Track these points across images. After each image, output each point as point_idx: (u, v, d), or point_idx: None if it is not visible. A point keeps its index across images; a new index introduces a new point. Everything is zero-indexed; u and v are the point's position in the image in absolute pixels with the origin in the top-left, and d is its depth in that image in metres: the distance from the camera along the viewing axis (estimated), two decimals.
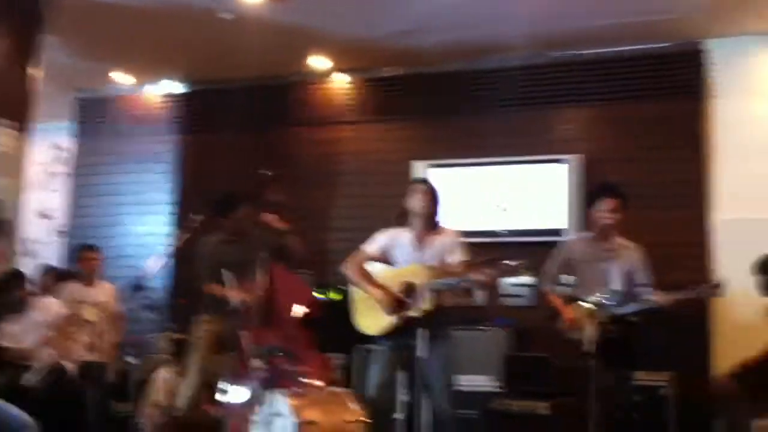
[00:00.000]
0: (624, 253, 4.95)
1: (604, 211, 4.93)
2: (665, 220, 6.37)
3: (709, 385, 5.38)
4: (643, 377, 5.69)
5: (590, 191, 5.21)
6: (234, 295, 4.88)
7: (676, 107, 6.62)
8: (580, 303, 4.82)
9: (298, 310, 5.08)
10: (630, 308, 4.76)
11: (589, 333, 4.33)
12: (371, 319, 4.69)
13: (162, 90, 8.07)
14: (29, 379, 5.12)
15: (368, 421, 4.24)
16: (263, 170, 5.37)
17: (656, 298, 4.69)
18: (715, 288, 4.54)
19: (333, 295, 6.61)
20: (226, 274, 4.42)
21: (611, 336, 4.65)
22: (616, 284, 4.84)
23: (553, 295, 5.10)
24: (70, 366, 5.50)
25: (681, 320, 5.85)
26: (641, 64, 6.75)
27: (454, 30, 6.57)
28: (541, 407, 5.72)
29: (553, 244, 5.52)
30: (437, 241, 4.66)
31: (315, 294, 5.59)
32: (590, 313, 4.43)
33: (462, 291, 4.68)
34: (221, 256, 5.31)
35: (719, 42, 6.58)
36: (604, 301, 4.62)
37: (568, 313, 4.90)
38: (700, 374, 5.88)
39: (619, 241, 5.01)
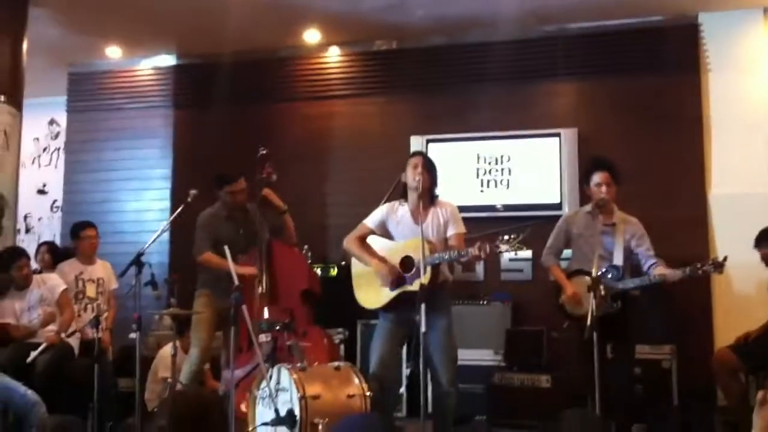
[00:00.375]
0: (624, 226, 4.95)
1: (597, 184, 4.96)
2: (661, 194, 6.39)
3: (710, 358, 5.41)
4: (645, 351, 5.76)
5: (584, 168, 5.22)
6: (237, 268, 4.88)
7: (671, 81, 6.62)
8: (582, 277, 4.84)
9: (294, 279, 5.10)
10: (632, 283, 4.78)
11: (591, 307, 4.34)
12: (371, 293, 4.70)
13: (154, 64, 7.99)
14: (34, 356, 5.12)
15: (371, 394, 4.25)
16: (259, 148, 5.36)
17: (659, 272, 4.70)
18: (719, 266, 4.54)
19: (332, 272, 6.64)
20: (226, 250, 4.41)
21: (612, 310, 4.69)
22: (618, 258, 4.85)
23: (556, 268, 5.12)
24: (73, 343, 5.51)
25: (682, 294, 5.91)
26: (635, 38, 6.73)
27: (442, 3, 6.53)
28: (543, 380, 5.77)
29: (548, 218, 5.53)
30: (435, 215, 4.65)
31: (315, 269, 5.58)
32: (592, 288, 4.43)
33: (460, 264, 4.70)
34: (218, 231, 5.30)
35: (713, 16, 6.56)
36: (606, 275, 4.63)
37: (570, 287, 4.92)
38: (701, 347, 5.92)
39: (619, 214, 5.01)
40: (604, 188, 4.93)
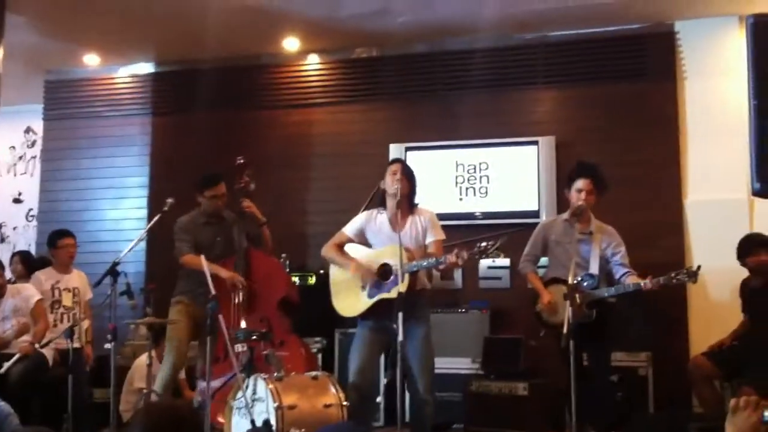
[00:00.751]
0: (601, 235, 4.97)
1: (578, 190, 4.95)
2: (637, 201, 6.43)
3: (686, 365, 5.44)
4: (623, 358, 5.79)
5: (568, 172, 5.22)
6: (220, 269, 4.87)
7: (647, 88, 6.67)
8: (559, 285, 4.86)
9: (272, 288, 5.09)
10: (607, 291, 4.80)
11: (567, 315, 4.35)
12: (349, 301, 4.70)
13: (132, 71, 7.94)
14: (7, 366, 5.06)
15: (348, 404, 4.23)
16: (238, 158, 5.35)
17: (633, 280, 4.73)
18: (692, 275, 4.56)
19: (311, 280, 6.62)
20: (201, 258, 4.39)
21: (588, 319, 4.71)
22: (594, 267, 4.87)
23: (533, 276, 5.13)
24: (48, 353, 5.45)
25: (658, 302, 5.93)
26: (613, 46, 6.77)
27: (423, 10, 6.55)
28: (520, 388, 5.77)
29: (526, 226, 5.55)
30: (414, 222, 4.66)
31: (293, 278, 5.56)
32: (568, 296, 4.45)
33: (438, 271, 4.71)
34: (196, 235, 5.27)
35: (690, 24, 6.61)
36: (582, 283, 4.64)
37: (547, 295, 4.94)
38: (677, 354, 5.96)
39: (596, 223, 5.03)
40: (584, 195, 4.94)
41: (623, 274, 4.85)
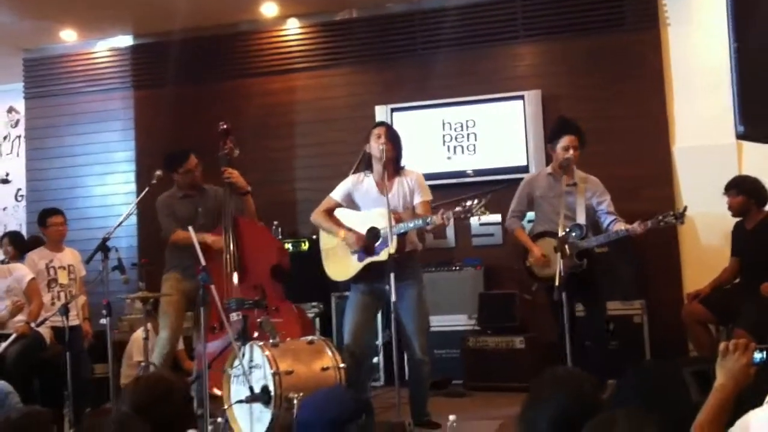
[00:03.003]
0: (584, 185, 4.99)
1: (564, 147, 4.97)
2: (626, 152, 6.42)
3: (681, 310, 5.48)
4: (617, 307, 5.83)
5: (551, 128, 5.23)
6: (208, 237, 4.85)
7: (631, 38, 6.62)
8: (546, 239, 4.87)
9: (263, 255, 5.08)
10: (595, 240, 4.82)
11: (559, 268, 4.38)
12: (340, 265, 4.71)
13: (111, 45, 7.84)
14: (4, 347, 5.07)
15: (345, 367, 4.26)
16: (220, 123, 5.29)
17: (621, 227, 4.75)
18: (678, 217, 4.60)
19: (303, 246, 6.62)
20: (190, 229, 4.38)
21: (579, 269, 4.73)
22: (580, 217, 4.89)
23: (521, 232, 5.15)
24: (45, 331, 5.46)
25: (650, 249, 5.98)
26: None
27: None
28: (517, 342, 5.82)
29: (516, 181, 5.56)
30: (401, 184, 4.64)
31: (285, 245, 5.55)
32: (558, 248, 4.47)
33: (427, 232, 4.71)
34: (176, 210, 5.24)
35: None
36: (570, 234, 4.66)
37: (537, 249, 4.96)
38: (671, 301, 5.99)
39: (579, 174, 5.05)
40: (570, 152, 4.96)
41: (611, 222, 4.89)
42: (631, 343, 5.84)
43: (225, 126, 5.28)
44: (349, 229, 4.63)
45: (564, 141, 4.99)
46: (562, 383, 2.10)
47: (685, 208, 4.68)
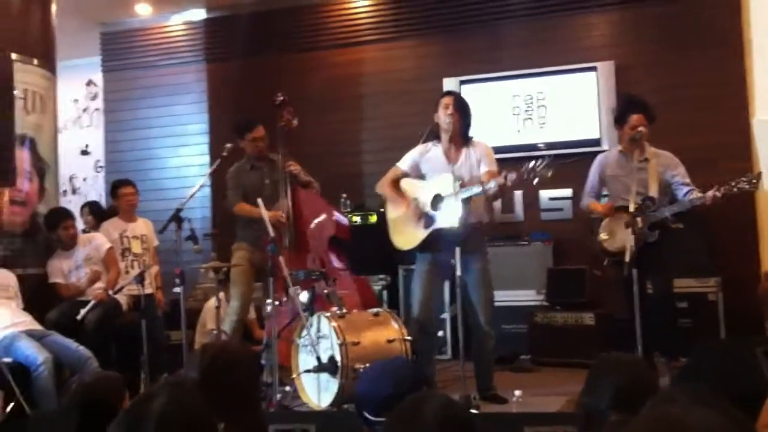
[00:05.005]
0: (656, 160, 4.89)
1: (631, 127, 4.88)
2: (702, 122, 6.22)
3: (757, 287, 5.31)
4: (691, 284, 5.68)
5: (618, 106, 5.11)
6: (266, 214, 4.92)
7: (708, 4, 6.38)
8: (619, 213, 4.80)
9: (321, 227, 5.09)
10: (668, 210, 4.72)
11: (630, 244, 4.30)
12: (405, 235, 4.72)
13: (185, 18, 7.97)
14: (83, 313, 5.25)
15: (410, 338, 4.28)
16: (276, 95, 5.33)
17: (693, 197, 4.64)
18: (753, 181, 4.47)
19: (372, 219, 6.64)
20: (259, 202, 4.45)
21: (652, 238, 4.65)
22: (653, 191, 4.79)
23: (594, 203, 5.08)
24: (121, 299, 5.63)
25: (725, 223, 5.79)
26: None
27: None
28: (586, 318, 5.75)
29: (588, 154, 5.46)
30: (468, 155, 4.61)
31: (342, 216, 5.57)
32: (629, 223, 4.39)
33: (491, 199, 4.66)
34: (244, 181, 5.32)
35: None
36: (642, 207, 4.58)
37: (600, 207, 4.94)
38: (749, 277, 5.80)
39: (651, 150, 4.94)
40: (641, 128, 4.85)
41: (686, 192, 4.76)
42: (706, 322, 5.70)
43: (282, 98, 5.31)
44: (415, 198, 4.63)
45: (632, 121, 4.89)
46: (621, 365, 2.11)
47: (760, 174, 4.54)
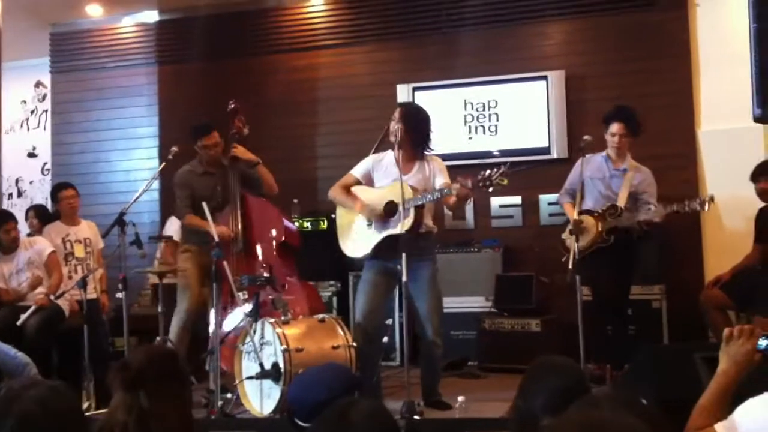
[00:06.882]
0: (634, 173, 5.13)
1: (612, 134, 5.17)
2: (650, 133, 6.26)
3: (700, 296, 5.40)
4: (636, 291, 5.76)
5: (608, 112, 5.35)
6: (214, 228, 4.84)
7: (658, 18, 6.48)
8: (584, 216, 5.00)
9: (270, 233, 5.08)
10: (627, 221, 4.92)
11: (573, 250, 4.39)
12: (356, 242, 4.70)
13: (136, 20, 7.87)
14: (24, 319, 5.14)
15: (355, 345, 4.26)
16: (229, 102, 5.28)
17: (645, 215, 4.83)
18: (704, 203, 4.71)
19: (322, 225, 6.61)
20: (204, 207, 4.39)
21: (606, 243, 4.89)
22: (622, 201, 5.02)
23: (568, 206, 5.25)
24: (63, 304, 5.53)
25: (672, 233, 5.89)
26: None
27: None
28: (533, 324, 5.79)
29: (538, 162, 5.51)
30: (422, 167, 4.63)
31: (291, 222, 5.53)
32: (572, 230, 4.53)
33: (449, 208, 4.70)
34: (194, 186, 5.24)
35: None
36: (605, 213, 4.89)
37: (572, 213, 5.02)
38: (692, 286, 5.90)
39: (632, 162, 5.20)
40: (617, 138, 5.16)
41: (645, 208, 5.02)
42: (650, 328, 5.78)
43: (234, 105, 5.25)
44: (364, 202, 4.62)
45: (612, 128, 5.19)
46: (555, 369, 2.12)
47: (712, 198, 4.76)
